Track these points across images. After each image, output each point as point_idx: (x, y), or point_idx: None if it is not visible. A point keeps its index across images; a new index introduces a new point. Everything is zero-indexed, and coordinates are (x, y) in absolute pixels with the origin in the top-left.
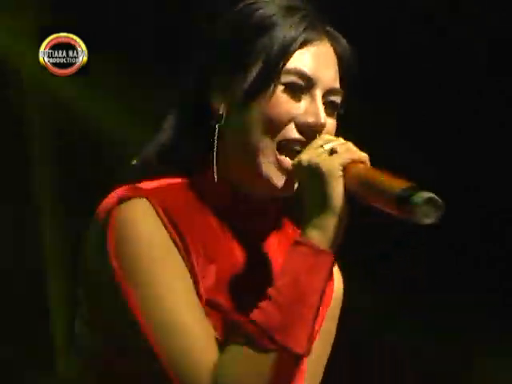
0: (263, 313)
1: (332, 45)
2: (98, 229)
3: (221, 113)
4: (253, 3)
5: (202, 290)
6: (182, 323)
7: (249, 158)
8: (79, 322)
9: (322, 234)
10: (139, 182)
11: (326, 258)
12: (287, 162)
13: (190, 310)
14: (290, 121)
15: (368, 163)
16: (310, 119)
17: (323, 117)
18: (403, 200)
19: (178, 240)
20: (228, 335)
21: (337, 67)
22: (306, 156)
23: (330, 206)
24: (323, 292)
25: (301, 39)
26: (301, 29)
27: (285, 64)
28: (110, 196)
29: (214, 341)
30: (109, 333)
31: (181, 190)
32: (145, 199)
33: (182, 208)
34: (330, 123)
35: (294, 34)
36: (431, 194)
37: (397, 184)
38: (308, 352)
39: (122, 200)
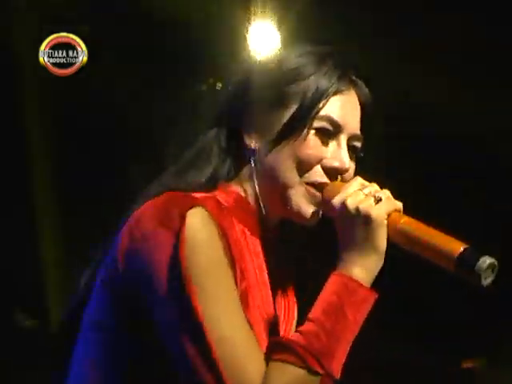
0: (310, 335)
1: (357, 92)
2: (160, 234)
3: (253, 148)
4: (287, 48)
5: None
6: (240, 333)
7: (279, 190)
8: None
9: (367, 274)
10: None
11: (371, 297)
12: (317, 194)
13: (245, 323)
14: (317, 163)
15: (402, 211)
16: (336, 163)
17: (347, 162)
18: (463, 263)
19: (228, 255)
20: (269, 351)
21: (360, 114)
22: (352, 200)
23: (378, 251)
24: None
25: (334, 89)
26: (334, 79)
27: (319, 111)
28: (164, 203)
29: (262, 352)
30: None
31: (216, 204)
32: (206, 211)
33: (223, 222)
34: (351, 166)
35: (328, 84)
36: (492, 260)
37: (452, 244)
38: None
39: (190, 207)
